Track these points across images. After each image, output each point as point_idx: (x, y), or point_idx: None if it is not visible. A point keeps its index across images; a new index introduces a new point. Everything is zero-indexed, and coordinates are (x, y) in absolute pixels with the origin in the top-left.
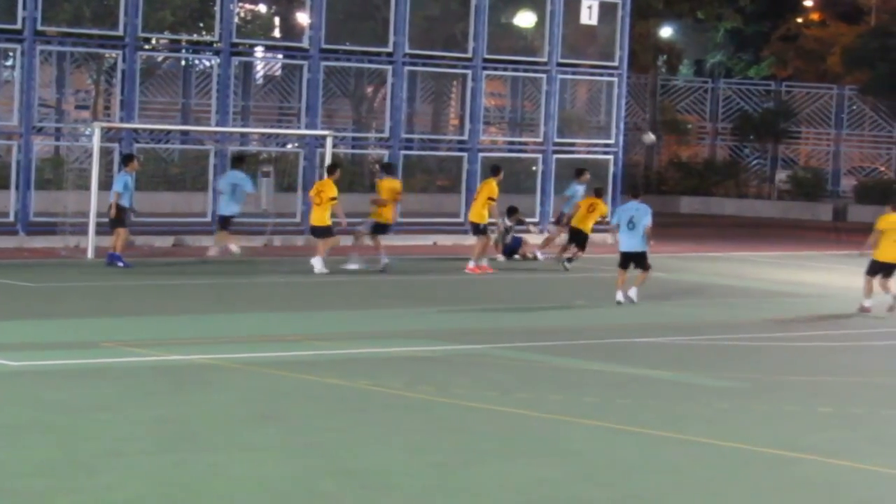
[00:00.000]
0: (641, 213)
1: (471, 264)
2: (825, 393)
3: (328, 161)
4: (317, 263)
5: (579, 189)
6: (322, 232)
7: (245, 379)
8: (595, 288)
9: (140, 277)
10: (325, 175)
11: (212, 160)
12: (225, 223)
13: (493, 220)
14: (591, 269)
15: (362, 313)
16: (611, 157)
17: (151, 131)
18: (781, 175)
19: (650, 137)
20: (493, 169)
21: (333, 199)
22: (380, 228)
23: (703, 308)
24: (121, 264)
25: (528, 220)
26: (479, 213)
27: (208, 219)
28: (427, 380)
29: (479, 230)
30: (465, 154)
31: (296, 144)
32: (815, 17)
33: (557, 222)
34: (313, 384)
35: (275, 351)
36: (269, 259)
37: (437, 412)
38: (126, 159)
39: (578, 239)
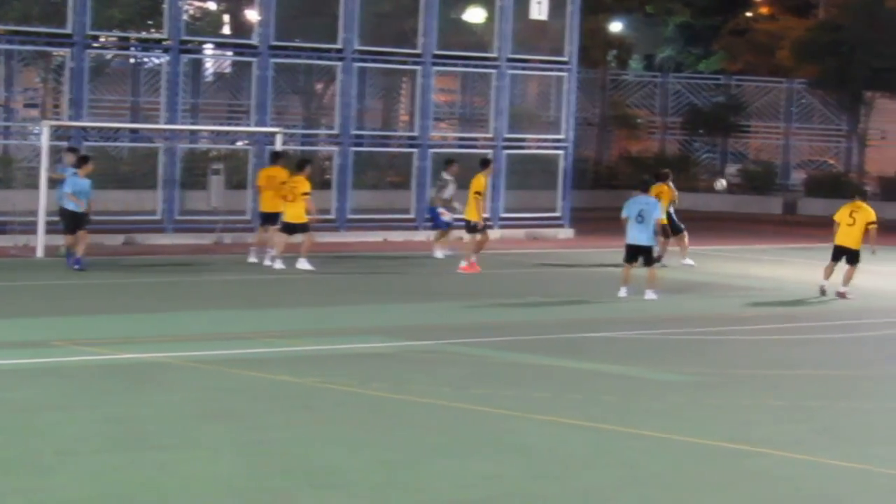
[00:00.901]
0: (651, 206)
1: (463, 263)
2: (779, 386)
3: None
4: (303, 264)
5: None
6: (299, 228)
7: (197, 377)
8: (550, 283)
9: (91, 276)
10: (297, 171)
11: (161, 158)
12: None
13: (485, 216)
14: (546, 265)
15: (314, 310)
16: (561, 152)
17: (101, 129)
18: (731, 169)
19: (722, 184)
20: (481, 162)
21: (307, 194)
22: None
23: (656, 302)
24: (77, 267)
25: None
26: (471, 209)
27: (158, 216)
28: (380, 376)
29: (469, 227)
30: (415, 150)
31: (246, 142)
32: (764, 11)
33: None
34: (265, 382)
35: (226, 349)
36: (220, 257)
37: (390, 409)
38: (81, 161)
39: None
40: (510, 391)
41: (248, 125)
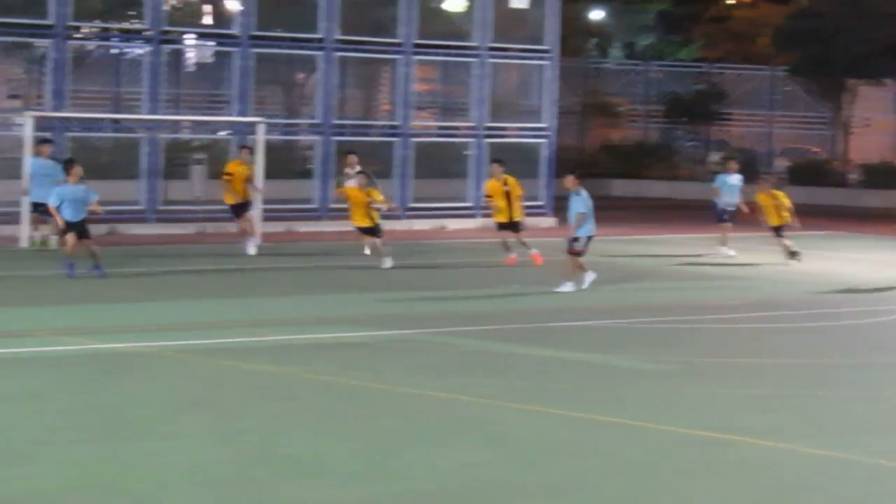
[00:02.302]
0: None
1: (533, 251)
2: (759, 375)
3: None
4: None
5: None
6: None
7: (176, 366)
8: (531, 271)
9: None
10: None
11: (143, 148)
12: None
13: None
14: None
15: (293, 300)
16: (543, 140)
17: (83, 120)
18: (714, 157)
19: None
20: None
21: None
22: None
23: (637, 291)
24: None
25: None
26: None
27: (141, 207)
28: (359, 366)
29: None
30: (396, 139)
31: (227, 132)
32: None
33: None
34: (245, 371)
35: (206, 338)
36: (203, 246)
37: (369, 398)
38: (67, 166)
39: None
40: (489, 380)
41: (230, 115)
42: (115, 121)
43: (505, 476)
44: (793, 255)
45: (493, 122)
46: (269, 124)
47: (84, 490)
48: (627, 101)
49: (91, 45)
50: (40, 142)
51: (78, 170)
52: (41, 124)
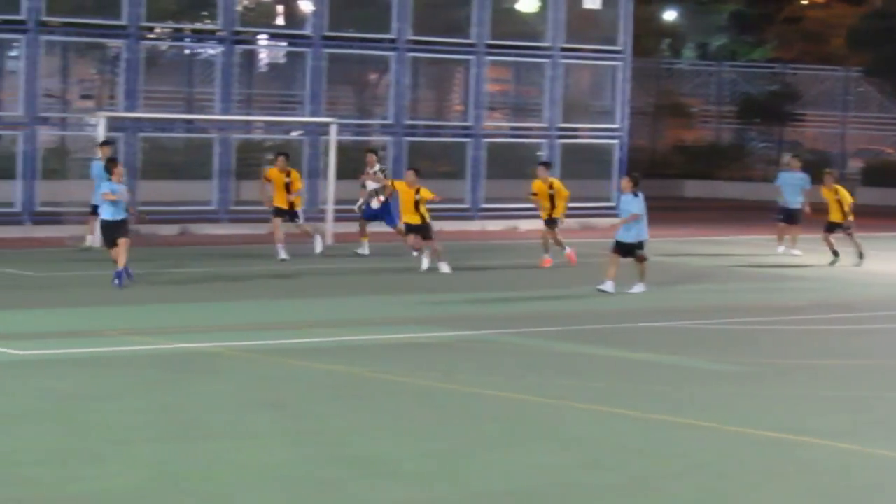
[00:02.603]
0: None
1: (567, 250)
2: (829, 376)
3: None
4: (444, 267)
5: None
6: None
7: (248, 366)
8: (603, 272)
9: (143, 266)
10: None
11: (216, 148)
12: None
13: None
14: (594, 255)
15: (365, 300)
16: (615, 141)
17: (155, 120)
18: (787, 158)
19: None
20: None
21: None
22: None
23: (708, 292)
24: (116, 283)
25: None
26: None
27: (213, 207)
28: (431, 366)
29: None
30: (468, 140)
31: (300, 132)
32: None
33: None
34: (316, 371)
35: (278, 338)
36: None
37: (441, 399)
38: (109, 164)
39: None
40: (560, 381)
41: (302, 116)
42: (188, 121)
43: (576, 477)
44: (835, 254)
45: (565, 122)
46: (341, 125)
47: (155, 490)
48: (700, 101)
49: (164, 45)
50: (101, 143)
51: (120, 169)
52: (114, 124)
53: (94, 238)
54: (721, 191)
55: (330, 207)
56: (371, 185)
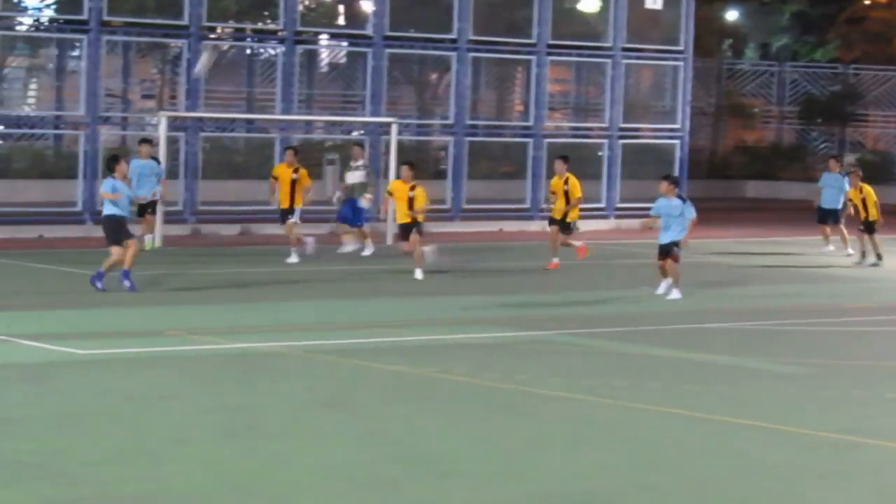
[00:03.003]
0: None
1: (577, 243)
2: (893, 378)
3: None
4: (419, 273)
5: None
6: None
7: (310, 366)
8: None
9: (203, 266)
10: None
11: (277, 148)
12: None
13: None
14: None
15: (426, 300)
16: (676, 141)
17: (216, 120)
18: (849, 158)
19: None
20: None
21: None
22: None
23: (767, 293)
24: (127, 283)
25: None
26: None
27: (274, 206)
28: (492, 367)
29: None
30: (529, 140)
31: (360, 132)
32: None
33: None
34: (378, 371)
35: (340, 338)
36: (335, 246)
37: (503, 399)
38: (110, 161)
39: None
40: (621, 381)
41: (363, 115)
42: (249, 121)
43: (637, 477)
44: (850, 255)
45: (626, 122)
46: (401, 125)
47: (218, 490)
48: (761, 102)
49: (225, 45)
50: (140, 141)
51: (123, 167)
52: (174, 124)
53: (152, 237)
54: (782, 191)
55: (390, 208)
56: (353, 179)
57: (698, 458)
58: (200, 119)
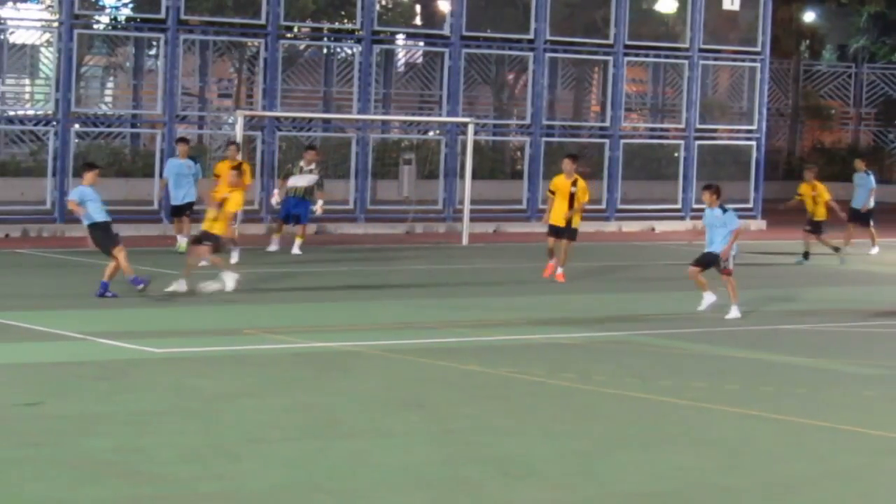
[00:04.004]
0: None
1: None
2: None
3: (470, 148)
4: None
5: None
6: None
7: (387, 366)
8: (740, 275)
9: (279, 265)
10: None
11: (353, 148)
12: None
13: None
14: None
15: (503, 300)
16: (753, 143)
17: (293, 119)
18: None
19: None
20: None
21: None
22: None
23: (845, 294)
24: (109, 294)
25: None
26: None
27: (350, 206)
28: (568, 367)
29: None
30: (606, 140)
31: (437, 132)
32: None
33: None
34: (455, 371)
35: (416, 338)
36: (411, 246)
37: (579, 399)
38: (82, 169)
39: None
40: (699, 382)
41: (440, 115)
42: (326, 120)
43: (715, 479)
44: (836, 250)
45: (703, 123)
46: (478, 125)
47: (292, 489)
48: (839, 103)
49: (302, 44)
50: (177, 140)
51: (92, 175)
52: (252, 123)
53: (186, 238)
54: None
55: (467, 207)
56: (299, 181)
57: (776, 461)
58: (277, 118)
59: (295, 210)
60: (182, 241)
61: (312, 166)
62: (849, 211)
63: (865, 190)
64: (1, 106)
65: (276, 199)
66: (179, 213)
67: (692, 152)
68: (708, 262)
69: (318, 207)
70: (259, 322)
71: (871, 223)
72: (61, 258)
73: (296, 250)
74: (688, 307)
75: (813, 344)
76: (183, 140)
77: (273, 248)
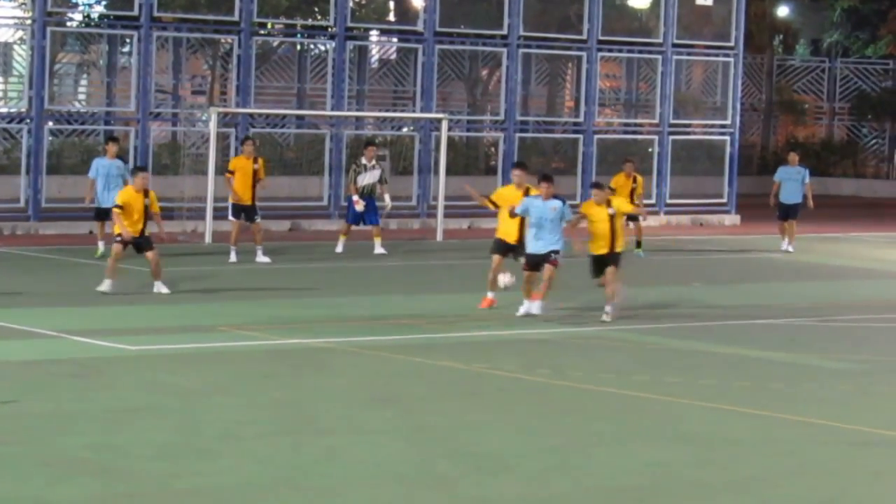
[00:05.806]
0: None
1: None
2: None
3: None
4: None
5: (367, 165)
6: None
7: (361, 362)
8: (714, 269)
9: (254, 262)
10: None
11: (327, 144)
12: None
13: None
14: (699, 251)
15: (476, 297)
16: (727, 137)
17: (267, 116)
18: None
19: None
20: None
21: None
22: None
23: (820, 289)
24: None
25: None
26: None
27: (324, 202)
28: (543, 363)
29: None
30: (580, 136)
31: (411, 128)
32: None
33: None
34: (429, 367)
35: (390, 334)
36: (385, 242)
37: (553, 395)
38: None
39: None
40: (673, 378)
41: (413, 111)
42: (299, 117)
43: (693, 475)
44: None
45: (676, 119)
46: (452, 121)
47: (266, 485)
48: (812, 98)
49: (276, 41)
50: (107, 140)
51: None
52: (225, 120)
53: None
54: (835, 188)
55: (441, 203)
56: (366, 179)
57: (751, 455)
58: (251, 115)
59: (364, 212)
60: (100, 246)
61: (374, 162)
62: (780, 206)
63: (798, 183)
64: None
65: (360, 206)
66: (107, 215)
67: (666, 147)
68: (540, 262)
69: (387, 203)
70: (234, 319)
71: (796, 220)
72: (35, 256)
73: (379, 249)
74: (661, 302)
75: (785, 338)
76: (113, 139)
77: (339, 249)
